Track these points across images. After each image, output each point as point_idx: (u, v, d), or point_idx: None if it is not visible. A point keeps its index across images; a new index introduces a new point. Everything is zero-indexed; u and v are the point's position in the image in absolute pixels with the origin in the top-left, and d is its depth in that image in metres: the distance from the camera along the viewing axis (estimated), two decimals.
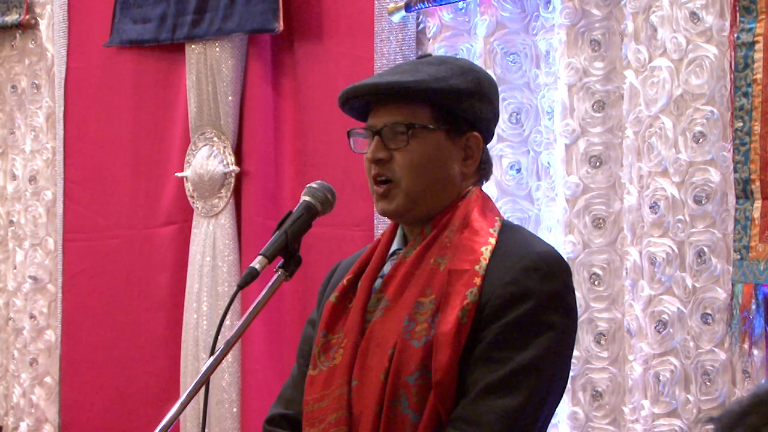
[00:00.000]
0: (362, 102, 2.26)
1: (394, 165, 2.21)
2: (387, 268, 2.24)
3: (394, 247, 2.27)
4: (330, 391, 2.17)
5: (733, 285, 3.00)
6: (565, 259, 2.21)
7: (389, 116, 2.22)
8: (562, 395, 2.19)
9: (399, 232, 2.28)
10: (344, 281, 2.28)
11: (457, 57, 2.27)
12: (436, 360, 2.08)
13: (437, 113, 2.21)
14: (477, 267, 2.12)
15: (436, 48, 3.65)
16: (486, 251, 2.14)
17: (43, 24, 4.72)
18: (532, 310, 2.09)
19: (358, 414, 2.13)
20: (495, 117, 2.30)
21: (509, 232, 2.21)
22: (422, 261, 2.18)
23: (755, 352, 2.96)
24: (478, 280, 2.11)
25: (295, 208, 2.22)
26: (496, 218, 2.22)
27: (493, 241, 2.16)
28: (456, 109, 2.21)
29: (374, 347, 2.15)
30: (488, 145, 3.52)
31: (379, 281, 2.23)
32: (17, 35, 4.81)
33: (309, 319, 2.38)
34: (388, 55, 3.77)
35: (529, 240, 2.21)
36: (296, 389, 2.30)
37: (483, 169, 2.28)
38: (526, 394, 2.06)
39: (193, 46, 4.22)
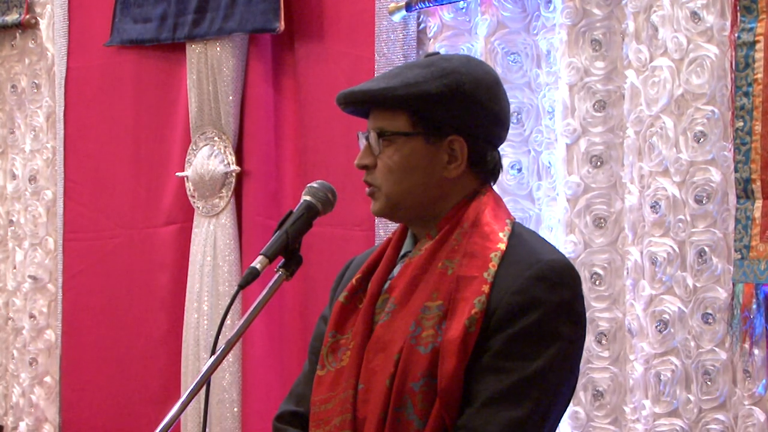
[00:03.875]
0: (351, 108, 2.27)
1: (375, 171, 2.21)
2: (397, 270, 2.24)
3: (404, 249, 2.26)
4: (336, 393, 2.17)
5: (733, 285, 3.00)
6: (575, 268, 2.19)
7: (373, 122, 2.22)
8: (568, 405, 2.17)
9: (409, 232, 2.28)
10: (353, 281, 2.27)
11: (454, 56, 2.24)
12: (442, 368, 2.07)
13: (414, 119, 2.19)
14: (485, 274, 2.11)
15: (437, 48, 3.64)
16: (495, 257, 2.12)
17: (43, 23, 4.72)
18: (539, 320, 2.08)
19: (363, 418, 2.12)
20: (491, 118, 2.23)
21: (520, 236, 2.18)
22: (430, 264, 2.17)
23: (756, 351, 2.96)
24: (486, 288, 2.09)
25: (296, 208, 2.22)
26: (507, 221, 2.20)
27: (502, 246, 2.14)
28: (431, 114, 2.19)
29: (380, 351, 2.14)
30: None
31: (388, 283, 2.22)
32: (17, 35, 4.81)
33: (321, 315, 2.37)
34: (389, 54, 3.77)
35: (539, 247, 2.18)
36: (307, 386, 2.29)
37: (481, 171, 2.24)
38: (532, 405, 2.05)
39: (193, 45, 4.22)
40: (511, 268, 2.11)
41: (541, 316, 2.07)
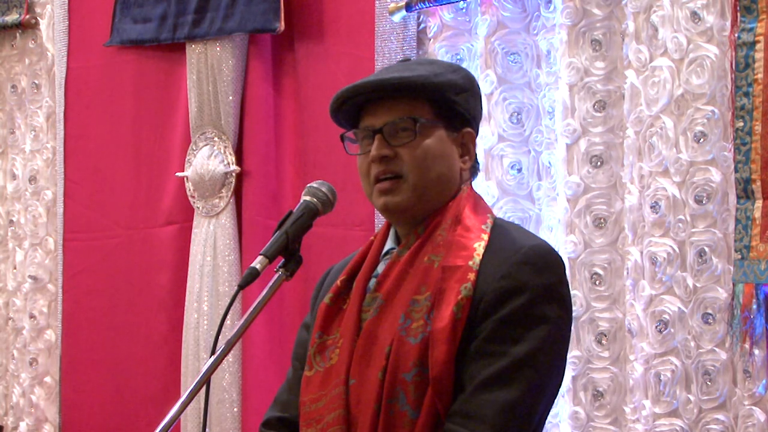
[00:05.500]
0: (360, 102, 2.26)
1: (399, 161, 2.21)
2: (381, 267, 2.25)
3: (387, 246, 2.28)
4: (327, 390, 2.18)
5: (733, 285, 3.00)
6: (558, 253, 2.21)
7: (390, 114, 2.22)
8: (559, 387, 2.19)
9: (392, 232, 2.29)
10: (338, 282, 2.28)
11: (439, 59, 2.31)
12: (432, 356, 2.08)
13: (436, 109, 2.22)
14: (470, 263, 2.13)
15: (437, 48, 3.64)
16: (479, 247, 2.15)
17: (43, 24, 4.72)
18: (526, 304, 2.10)
19: (357, 412, 2.13)
20: (481, 115, 2.33)
21: (501, 228, 2.22)
22: (416, 259, 2.19)
23: (756, 351, 2.96)
24: (472, 276, 2.11)
25: (296, 208, 2.22)
26: (488, 215, 2.23)
27: (485, 237, 2.17)
28: (454, 104, 2.22)
29: (370, 346, 2.15)
30: (489, 145, 3.55)
31: (373, 281, 2.23)
32: (17, 35, 4.81)
33: (303, 323, 2.39)
34: (389, 54, 3.76)
35: (522, 235, 2.22)
36: (291, 392, 2.31)
37: (474, 166, 2.30)
38: (523, 386, 2.06)
39: (193, 45, 4.22)
40: (495, 256, 2.13)
41: (528, 299, 2.09)
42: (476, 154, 2.30)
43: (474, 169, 2.31)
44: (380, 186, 2.22)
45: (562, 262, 2.20)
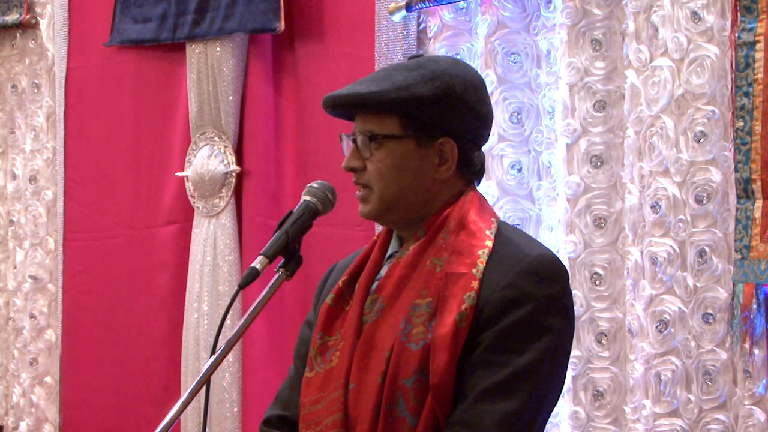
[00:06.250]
0: (339, 111, 2.27)
1: (366, 173, 2.22)
2: (384, 270, 2.24)
3: (390, 250, 2.28)
4: (327, 393, 2.17)
5: (734, 285, 3.00)
6: (563, 262, 2.21)
7: (361, 125, 2.23)
8: (558, 397, 2.20)
9: (395, 233, 2.29)
10: (340, 283, 2.28)
11: (441, 58, 2.25)
12: (433, 363, 2.08)
13: (405, 121, 2.20)
14: (474, 270, 2.12)
15: (437, 48, 3.64)
16: (483, 254, 2.14)
17: (43, 23, 4.73)
18: (529, 314, 2.09)
19: (355, 417, 2.13)
20: (479, 120, 2.25)
21: (506, 234, 2.20)
22: (418, 263, 2.18)
23: (756, 351, 2.96)
24: (475, 284, 2.11)
25: (296, 208, 2.22)
26: (492, 219, 2.22)
27: (489, 243, 2.16)
28: (422, 117, 2.20)
29: (371, 350, 2.15)
30: (489, 145, 3.54)
31: (376, 284, 2.23)
32: (17, 35, 4.81)
33: (306, 321, 2.38)
34: (389, 54, 3.76)
35: (527, 242, 2.21)
36: (293, 391, 2.30)
37: (468, 172, 2.26)
38: (524, 397, 2.06)
39: (193, 45, 4.22)
40: (499, 265, 2.13)
41: (532, 310, 2.09)
42: (472, 159, 2.25)
43: (471, 173, 2.26)
44: (357, 193, 2.24)
45: (566, 271, 2.19)
